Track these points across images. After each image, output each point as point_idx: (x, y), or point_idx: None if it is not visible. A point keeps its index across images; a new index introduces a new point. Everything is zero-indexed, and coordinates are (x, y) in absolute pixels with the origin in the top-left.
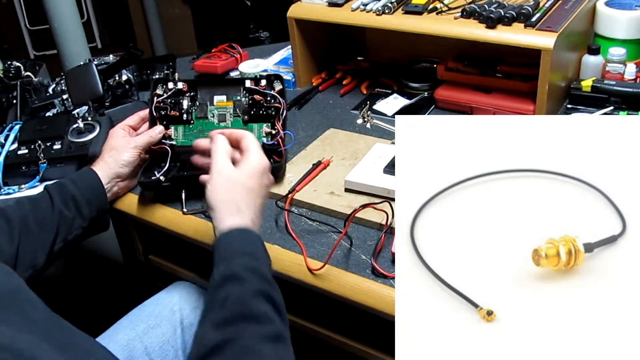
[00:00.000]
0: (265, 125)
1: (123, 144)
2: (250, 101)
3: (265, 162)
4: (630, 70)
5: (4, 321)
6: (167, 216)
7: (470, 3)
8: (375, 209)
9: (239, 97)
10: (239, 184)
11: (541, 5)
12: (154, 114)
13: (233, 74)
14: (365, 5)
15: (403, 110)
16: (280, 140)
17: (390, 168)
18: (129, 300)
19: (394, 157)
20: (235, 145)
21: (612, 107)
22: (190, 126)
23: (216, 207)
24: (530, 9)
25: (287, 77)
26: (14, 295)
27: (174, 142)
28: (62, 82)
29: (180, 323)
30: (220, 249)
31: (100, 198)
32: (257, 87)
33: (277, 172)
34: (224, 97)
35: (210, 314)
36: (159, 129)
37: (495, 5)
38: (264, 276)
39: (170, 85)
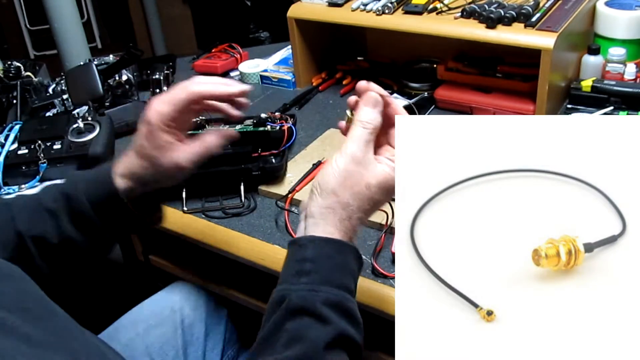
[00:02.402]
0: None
1: (168, 164)
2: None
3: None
4: (630, 70)
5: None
6: (167, 215)
7: (470, 3)
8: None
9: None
10: (369, 193)
11: (541, 5)
12: None
13: (233, 74)
14: (365, 5)
15: None
16: (285, 130)
17: None
18: (129, 300)
19: None
20: (385, 120)
21: (612, 107)
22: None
23: (328, 199)
24: (530, 9)
25: (287, 77)
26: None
27: None
28: (62, 82)
29: (181, 323)
30: (306, 257)
31: (118, 210)
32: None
33: (277, 172)
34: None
35: (269, 349)
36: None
37: (495, 5)
38: (353, 317)
39: None
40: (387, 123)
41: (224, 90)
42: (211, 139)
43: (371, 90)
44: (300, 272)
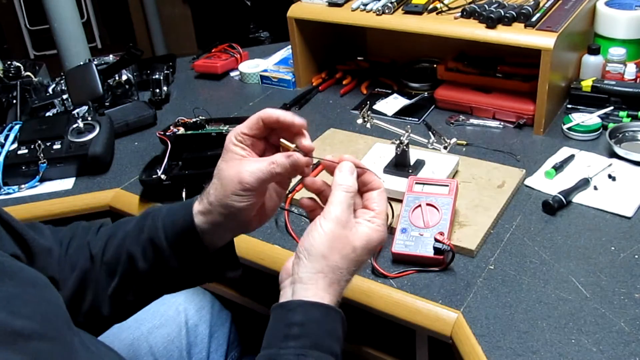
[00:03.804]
0: None
1: (232, 176)
2: None
3: (383, 238)
4: (630, 70)
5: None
6: None
7: (470, 3)
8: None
9: None
10: (354, 255)
11: (541, 5)
12: None
13: (233, 74)
14: (365, 5)
15: (403, 110)
16: None
17: (390, 168)
18: None
19: (393, 157)
20: (360, 186)
21: (612, 107)
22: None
23: (318, 261)
24: (530, 9)
25: (287, 77)
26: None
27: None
28: (62, 82)
29: (185, 323)
30: (295, 322)
31: (195, 251)
32: None
33: None
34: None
35: None
36: (301, 148)
37: (495, 5)
38: None
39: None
40: (362, 189)
41: (291, 118)
42: (280, 160)
43: (345, 160)
44: (288, 336)
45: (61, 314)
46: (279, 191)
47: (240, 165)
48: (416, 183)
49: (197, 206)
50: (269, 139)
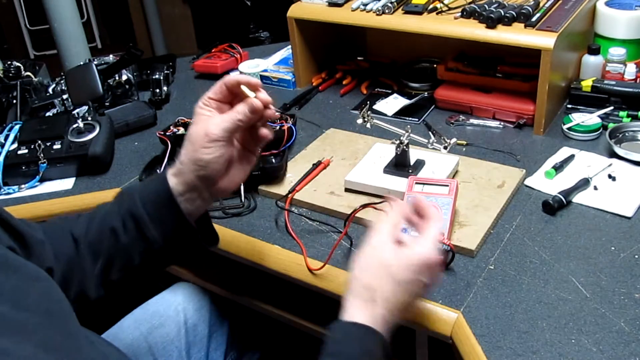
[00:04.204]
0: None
1: (199, 131)
2: None
3: (433, 257)
4: (630, 70)
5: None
6: None
7: (470, 3)
8: (376, 209)
9: None
10: (387, 272)
11: (541, 5)
12: None
13: (233, 74)
14: (365, 5)
15: (403, 110)
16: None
17: (390, 168)
18: (133, 300)
19: (393, 157)
20: (415, 214)
21: (612, 107)
22: None
23: (352, 284)
24: (530, 9)
25: (287, 77)
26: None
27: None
28: (62, 82)
29: (185, 323)
30: (334, 340)
31: (172, 217)
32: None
33: (277, 172)
34: None
35: None
36: (258, 100)
37: (495, 5)
38: None
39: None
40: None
41: (247, 79)
42: (240, 108)
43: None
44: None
45: (64, 307)
46: (248, 156)
47: (206, 122)
48: (416, 183)
49: (171, 170)
50: (233, 104)
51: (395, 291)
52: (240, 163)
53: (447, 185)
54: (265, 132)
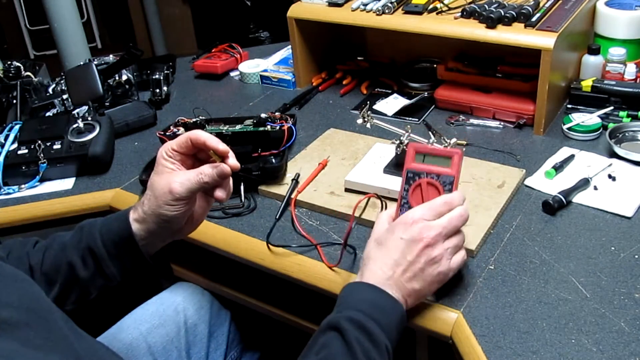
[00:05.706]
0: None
1: (163, 187)
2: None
3: (418, 214)
4: (630, 70)
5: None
6: None
7: (470, 3)
8: (379, 198)
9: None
10: (389, 236)
11: (541, 5)
12: None
13: (233, 74)
14: (365, 5)
15: (403, 110)
16: (285, 130)
17: (390, 168)
18: (132, 300)
19: (393, 157)
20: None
21: (612, 107)
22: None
23: (374, 250)
24: (530, 9)
25: (287, 77)
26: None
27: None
28: (62, 82)
29: (185, 323)
30: (342, 295)
31: (132, 257)
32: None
33: (277, 172)
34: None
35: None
36: (227, 165)
37: (495, 5)
38: (369, 334)
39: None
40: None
41: (216, 144)
42: (207, 170)
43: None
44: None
45: (45, 304)
46: (208, 199)
47: (170, 177)
48: (417, 153)
49: (133, 214)
50: (197, 155)
51: (403, 251)
52: (201, 207)
53: (450, 158)
54: (219, 195)
